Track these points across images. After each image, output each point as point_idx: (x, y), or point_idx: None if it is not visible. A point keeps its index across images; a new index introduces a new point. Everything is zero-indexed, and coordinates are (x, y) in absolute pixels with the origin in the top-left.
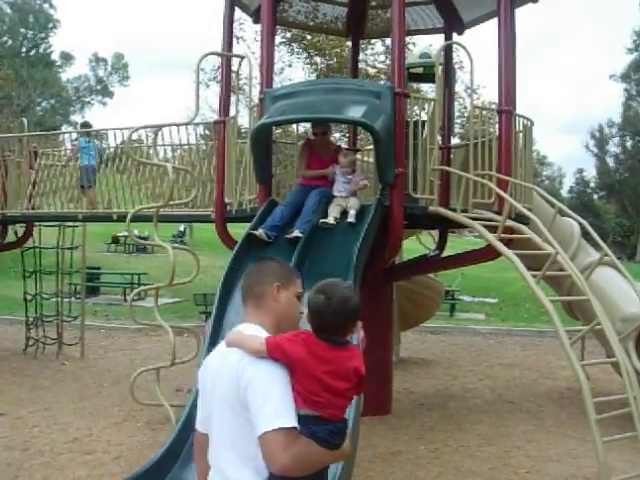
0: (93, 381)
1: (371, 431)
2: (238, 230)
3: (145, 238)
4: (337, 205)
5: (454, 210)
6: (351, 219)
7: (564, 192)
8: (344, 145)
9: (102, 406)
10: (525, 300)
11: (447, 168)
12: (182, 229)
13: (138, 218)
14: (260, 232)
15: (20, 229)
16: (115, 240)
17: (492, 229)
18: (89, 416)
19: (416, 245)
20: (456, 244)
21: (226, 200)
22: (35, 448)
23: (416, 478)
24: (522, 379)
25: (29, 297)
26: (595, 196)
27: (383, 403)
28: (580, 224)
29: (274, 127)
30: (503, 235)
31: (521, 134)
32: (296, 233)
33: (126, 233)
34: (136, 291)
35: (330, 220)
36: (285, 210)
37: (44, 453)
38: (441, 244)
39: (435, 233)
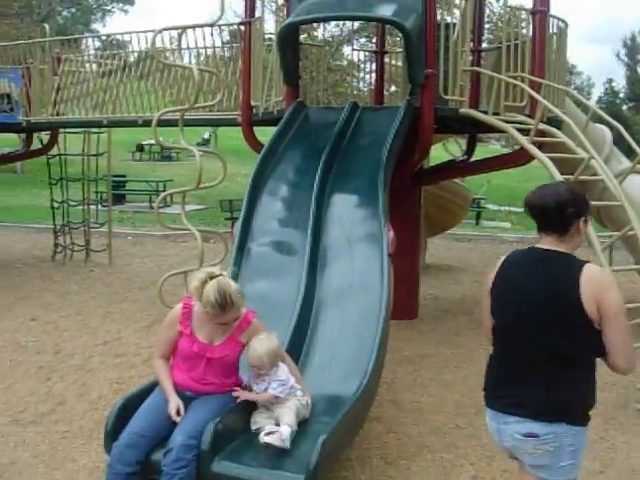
0: (121, 287)
1: (398, 335)
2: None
3: (169, 148)
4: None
5: (485, 113)
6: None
7: (593, 102)
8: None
9: (131, 311)
10: None
11: (479, 69)
12: (207, 136)
13: (163, 123)
14: None
15: (45, 137)
16: (140, 148)
17: (524, 133)
18: (118, 320)
19: (442, 153)
20: (482, 153)
21: (252, 103)
22: (66, 351)
23: (443, 380)
24: None
25: (56, 205)
26: (624, 107)
27: (410, 308)
28: (613, 129)
29: (300, 29)
30: (535, 138)
31: (555, 36)
32: None
33: (151, 141)
34: (163, 195)
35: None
36: None
37: (75, 356)
38: (470, 149)
39: (463, 143)
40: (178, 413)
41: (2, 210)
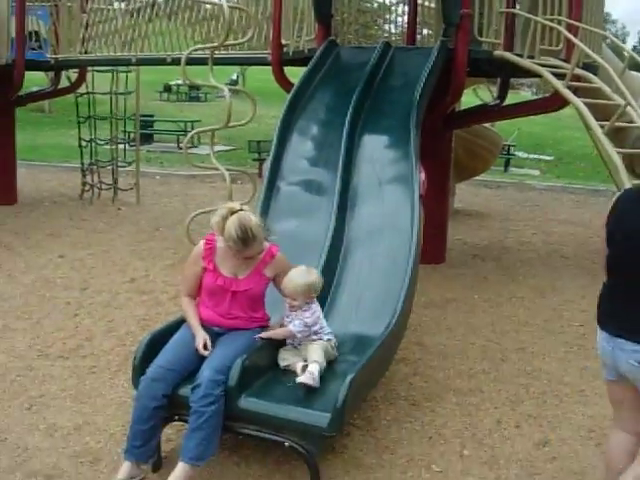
0: (149, 225)
1: (425, 279)
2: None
3: (198, 87)
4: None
5: (520, 56)
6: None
7: None
8: None
9: (158, 249)
10: (581, 158)
11: (515, 10)
12: (234, 77)
13: (193, 61)
14: None
15: (73, 75)
16: (167, 89)
17: (559, 77)
18: (146, 258)
19: (473, 99)
20: (512, 100)
21: (283, 41)
22: (93, 288)
23: (469, 325)
24: (577, 236)
25: (84, 143)
26: None
27: (438, 252)
28: None
29: None
30: (571, 82)
31: None
32: None
33: (179, 81)
34: (192, 133)
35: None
36: None
37: (102, 293)
38: (502, 93)
39: (494, 89)
40: (205, 347)
41: (30, 149)
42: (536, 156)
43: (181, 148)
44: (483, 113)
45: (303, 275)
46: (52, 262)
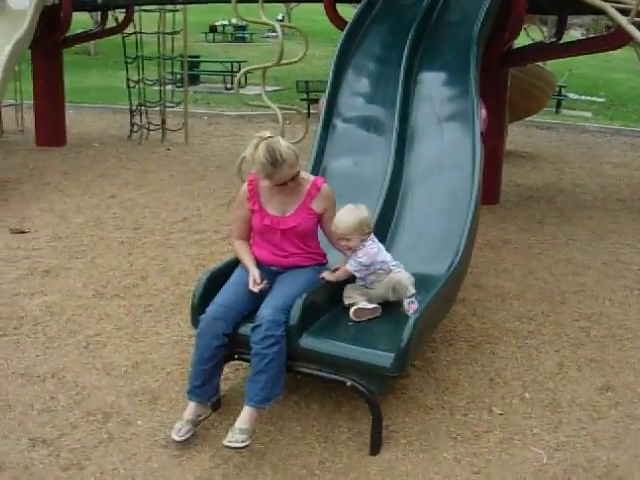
0: (199, 165)
1: (480, 220)
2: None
3: (243, 27)
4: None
5: None
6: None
7: None
8: None
9: (209, 189)
10: (634, 101)
11: None
12: (280, 17)
13: None
14: None
15: (120, 15)
16: (213, 29)
17: (623, 13)
18: (197, 198)
19: (524, 39)
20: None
21: None
22: (146, 227)
23: (526, 267)
24: (632, 179)
25: (132, 84)
26: None
27: (493, 193)
28: None
29: None
30: (636, 18)
31: None
32: None
33: (224, 22)
34: (243, 70)
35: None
36: None
37: (155, 232)
38: (559, 31)
39: (545, 29)
40: (260, 284)
41: (77, 91)
42: (588, 98)
43: (228, 88)
44: (541, 50)
45: (353, 212)
46: (104, 202)
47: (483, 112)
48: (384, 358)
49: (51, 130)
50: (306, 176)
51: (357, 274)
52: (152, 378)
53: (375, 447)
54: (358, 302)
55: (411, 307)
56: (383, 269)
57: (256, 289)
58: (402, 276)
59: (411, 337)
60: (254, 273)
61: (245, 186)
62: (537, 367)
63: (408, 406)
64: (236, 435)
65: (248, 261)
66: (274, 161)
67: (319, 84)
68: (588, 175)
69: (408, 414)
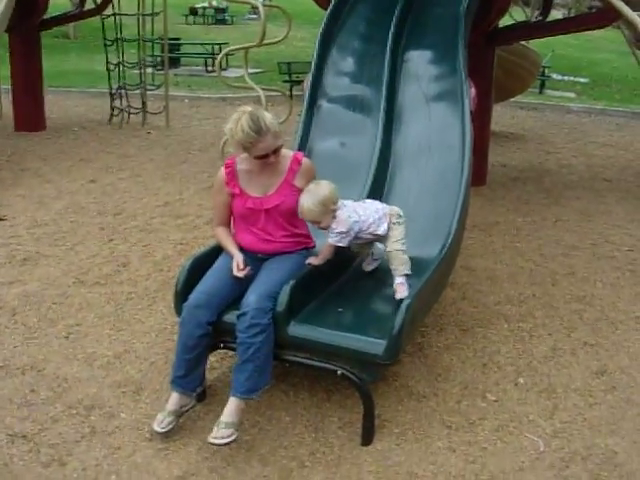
0: (180, 148)
1: None
2: None
3: (224, 10)
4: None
5: None
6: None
7: None
8: None
9: (191, 172)
10: (617, 81)
11: None
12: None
13: None
14: None
15: None
16: (193, 12)
17: None
18: (179, 182)
19: (507, 20)
20: None
21: None
22: (127, 213)
23: (516, 248)
24: (618, 159)
25: (111, 67)
26: None
27: (480, 174)
28: None
29: None
30: None
31: None
32: None
33: (204, 4)
34: (225, 51)
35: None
36: None
37: (137, 217)
38: (546, 10)
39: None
40: (244, 270)
41: (56, 75)
42: (571, 78)
43: (209, 71)
44: (527, 29)
45: (312, 194)
46: (83, 187)
47: (473, 91)
48: (376, 345)
49: (29, 115)
50: (285, 153)
51: (341, 244)
52: (135, 368)
53: (367, 437)
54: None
55: (400, 289)
56: (363, 230)
57: (240, 274)
58: (398, 256)
59: (404, 323)
60: (238, 258)
61: (222, 170)
62: (531, 351)
63: (400, 394)
64: (222, 430)
65: (231, 246)
66: (258, 129)
67: (301, 65)
68: (573, 155)
69: (400, 402)
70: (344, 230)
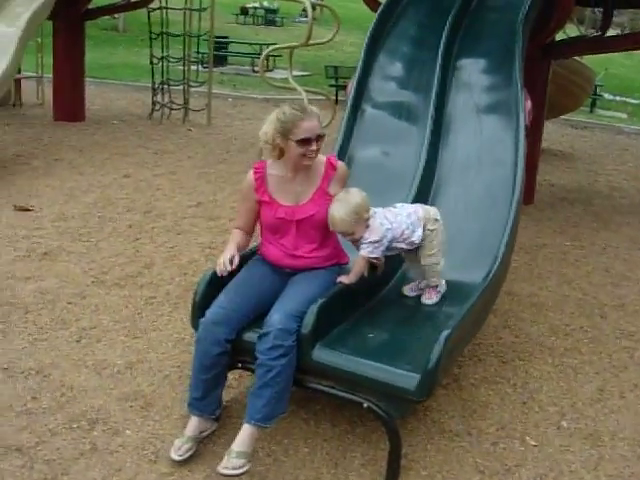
0: (219, 148)
1: None
2: None
3: (274, 11)
4: None
5: None
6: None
7: None
8: None
9: (228, 173)
10: None
11: None
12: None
13: None
14: None
15: None
16: (244, 11)
17: None
18: (214, 182)
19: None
20: None
21: None
22: (157, 211)
23: (562, 274)
24: None
25: (155, 61)
26: None
27: (527, 192)
28: None
29: None
30: None
31: None
32: None
33: (255, 4)
34: (269, 49)
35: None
36: None
37: (166, 216)
38: (605, 24)
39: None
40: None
41: (102, 67)
42: (623, 98)
43: (255, 71)
44: (586, 43)
45: (344, 203)
46: (116, 182)
47: (528, 104)
48: (408, 379)
49: (69, 105)
50: (318, 158)
51: (374, 255)
52: (147, 381)
53: (392, 478)
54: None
55: (430, 293)
56: (397, 238)
57: (222, 271)
58: (433, 269)
59: (440, 357)
60: (226, 256)
61: (251, 175)
62: (576, 391)
63: (430, 430)
64: (233, 460)
65: (231, 243)
66: (303, 109)
67: (349, 70)
68: (624, 178)
69: (430, 440)
70: (377, 239)
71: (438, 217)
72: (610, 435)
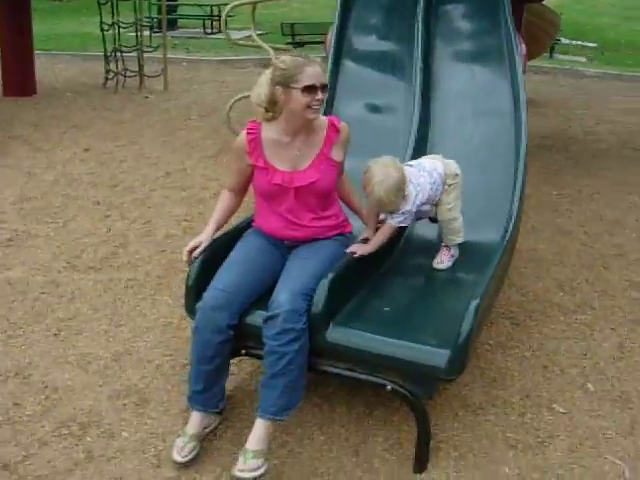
0: (180, 113)
1: None
2: None
3: None
4: None
5: None
6: None
7: None
8: None
9: (193, 139)
10: (627, 46)
11: None
12: None
13: None
14: None
15: None
16: None
17: None
18: (180, 150)
19: None
20: None
21: None
22: (125, 184)
23: (556, 225)
24: None
25: (106, 27)
26: None
27: None
28: None
29: None
30: None
31: None
32: None
33: None
34: (231, 5)
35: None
36: None
37: (135, 190)
38: None
39: None
40: (193, 253)
41: (48, 38)
42: (579, 42)
43: (207, 33)
44: None
45: (387, 178)
46: (77, 157)
47: (523, 47)
48: (437, 356)
49: (19, 79)
50: (319, 120)
51: (405, 224)
52: (137, 374)
53: (421, 463)
54: None
55: (444, 256)
56: (423, 202)
57: (185, 257)
58: (452, 224)
59: (472, 329)
60: (195, 240)
61: (243, 136)
62: (595, 350)
63: (453, 405)
64: (249, 461)
65: (213, 218)
66: (304, 56)
67: (305, 27)
68: (596, 122)
69: (455, 417)
70: (409, 208)
71: (458, 172)
72: (639, 396)
